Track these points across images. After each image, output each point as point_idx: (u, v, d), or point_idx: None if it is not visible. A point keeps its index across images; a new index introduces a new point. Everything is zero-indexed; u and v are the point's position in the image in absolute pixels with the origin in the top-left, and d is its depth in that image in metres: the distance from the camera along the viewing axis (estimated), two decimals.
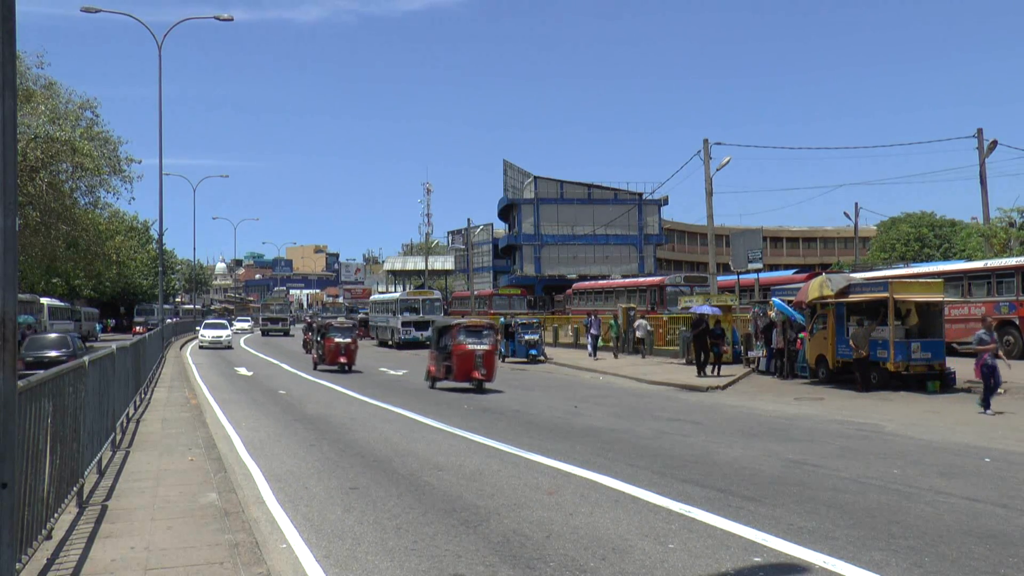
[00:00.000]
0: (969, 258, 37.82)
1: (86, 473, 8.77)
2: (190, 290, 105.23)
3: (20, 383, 5.11)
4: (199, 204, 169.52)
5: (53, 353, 22.94)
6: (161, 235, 44.95)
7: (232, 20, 38.57)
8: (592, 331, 35.05)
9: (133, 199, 73.57)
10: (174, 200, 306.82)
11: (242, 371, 30.26)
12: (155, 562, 6.66)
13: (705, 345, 25.17)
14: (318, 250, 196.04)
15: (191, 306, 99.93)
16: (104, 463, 10.66)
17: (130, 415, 15.24)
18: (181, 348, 47.80)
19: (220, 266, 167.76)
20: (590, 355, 34.14)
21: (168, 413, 16.84)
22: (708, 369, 25.20)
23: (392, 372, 29.80)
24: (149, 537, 7.41)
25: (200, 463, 11.15)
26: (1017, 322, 25.77)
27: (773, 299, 25.63)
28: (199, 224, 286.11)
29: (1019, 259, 28.35)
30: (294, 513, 8.70)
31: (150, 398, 19.66)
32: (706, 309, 27.63)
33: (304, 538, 7.71)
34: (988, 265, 28.76)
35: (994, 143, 38.63)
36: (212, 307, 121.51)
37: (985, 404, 16.52)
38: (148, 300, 78.55)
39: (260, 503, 9.28)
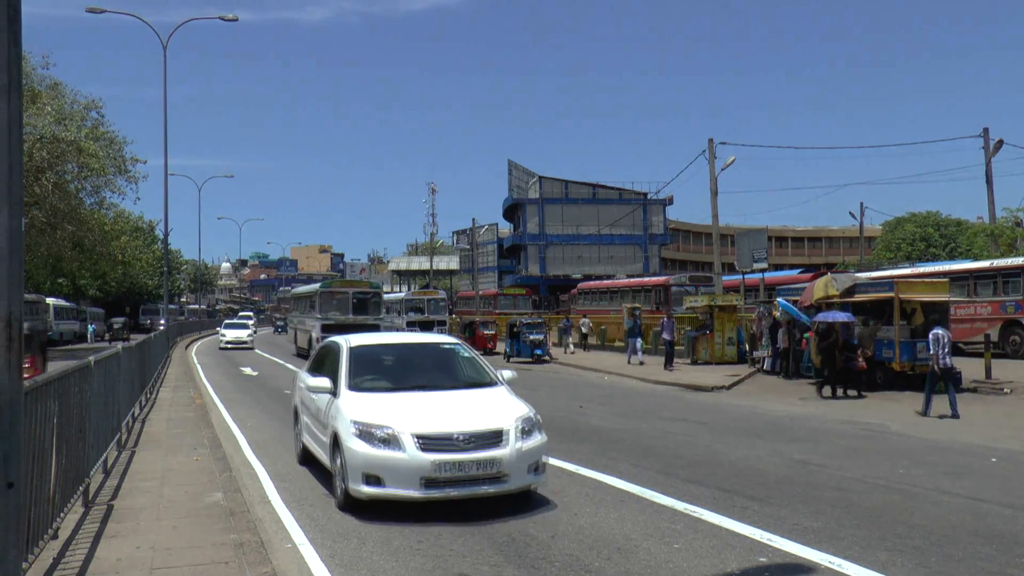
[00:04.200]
0: (975, 258, 37.78)
1: (92, 473, 8.80)
2: (195, 290, 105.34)
3: (26, 383, 5.12)
4: (204, 204, 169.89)
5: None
6: (166, 235, 45.08)
7: (236, 20, 38.62)
8: (665, 335, 28.57)
9: (139, 199, 73.93)
10: (179, 200, 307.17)
11: (247, 371, 30.30)
12: (160, 561, 6.67)
13: (833, 360, 19.95)
14: (323, 250, 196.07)
15: (196, 306, 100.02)
16: (110, 463, 10.68)
17: (135, 415, 15.27)
18: (187, 348, 47.77)
19: (225, 266, 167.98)
20: (667, 368, 26.98)
21: (173, 413, 16.87)
22: (833, 389, 20.06)
23: None
24: (154, 537, 7.42)
25: (205, 463, 11.16)
26: (1023, 321, 25.71)
27: (778, 299, 25.62)
28: (204, 224, 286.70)
29: None
30: (299, 513, 8.70)
31: (155, 398, 19.69)
32: (839, 316, 20.64)
33: (309, 538, 7.72)
34: (994, 265, 28.70)
35: (1000, 142, 38.58)
36: (217, 307, 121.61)
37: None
38: (153, 300, 78.76)
39: (265, 503, 9.28)
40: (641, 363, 29.30)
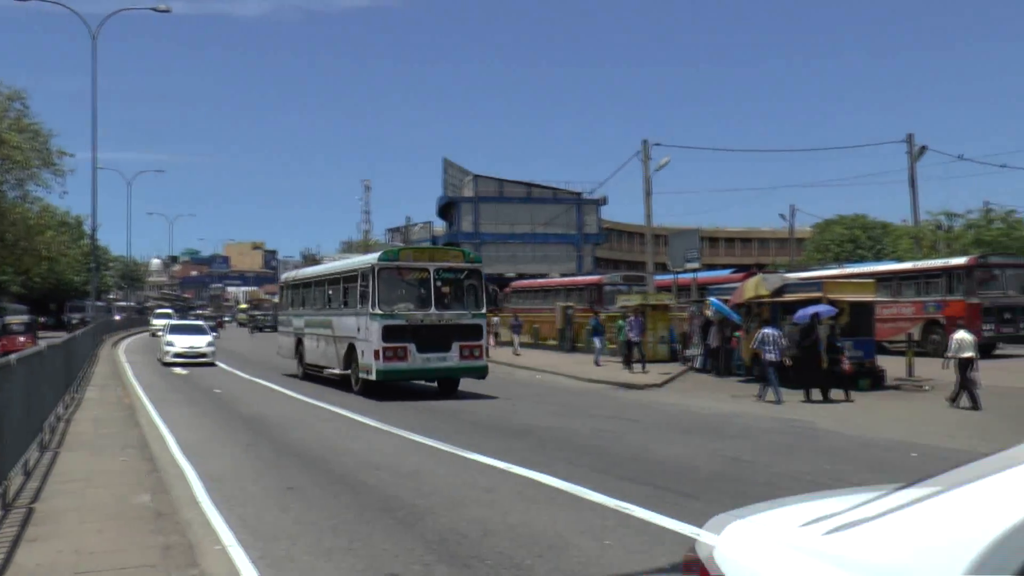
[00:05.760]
0: (900, 259, 38.83)
1: (11, 474, 8.55)
2: (124, 287, 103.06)
3: None
4: (134, 199, 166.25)
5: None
6: (94, 231, 44.07)
7: (170, 12, 37.85)
8: (632, 336, 26.84)
9: (66, 193, 71.90)
10: (108, 195, 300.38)
11: (177, 370, 29.71)
12: (84, 566, 6.51)
13: (818, 362, 19.02)
14: (256, 247, 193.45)
15: (125, 303, 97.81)
16: (31, 464, 10.39)
17: (60, 415, 14.89)
18: (114, 346, 46.65)
19: (155, 262, 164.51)
20: (637, 367, 26.29)
21: (100, 412, 16.48)
22: (820, 393, 19.01)
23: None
24: (78, 540, 7.24)
25: (133, 464, 10.93)
26: (943, 321, 26.48)
27: (710, 298, 25.98)
28: (134, 220, 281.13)
29: (946, 260, 29.22)
30: (229, 514, 8.58)
31: (81, 397, 19.22)
32: (821, 309, 19.74)
33: (239, 539, 7.61)
34: (917, 266, 29.61)
35: (923, 148, 39.74)
36: (147, 304, 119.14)
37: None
38: (80, 297, 76.82)
39: (194, 504, 9.13)
40: (598, 364, 28.58)
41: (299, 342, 25.99)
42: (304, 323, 25.67)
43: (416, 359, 19.25)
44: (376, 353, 19.03)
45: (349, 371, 21.15)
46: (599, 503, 8.83)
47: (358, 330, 20.21)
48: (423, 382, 21.57)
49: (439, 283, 19.98)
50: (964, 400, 17.04)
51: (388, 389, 20.06)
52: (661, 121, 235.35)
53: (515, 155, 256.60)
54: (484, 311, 20.70)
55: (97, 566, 6.49)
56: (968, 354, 16.94)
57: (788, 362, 19.28)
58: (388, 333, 19.05)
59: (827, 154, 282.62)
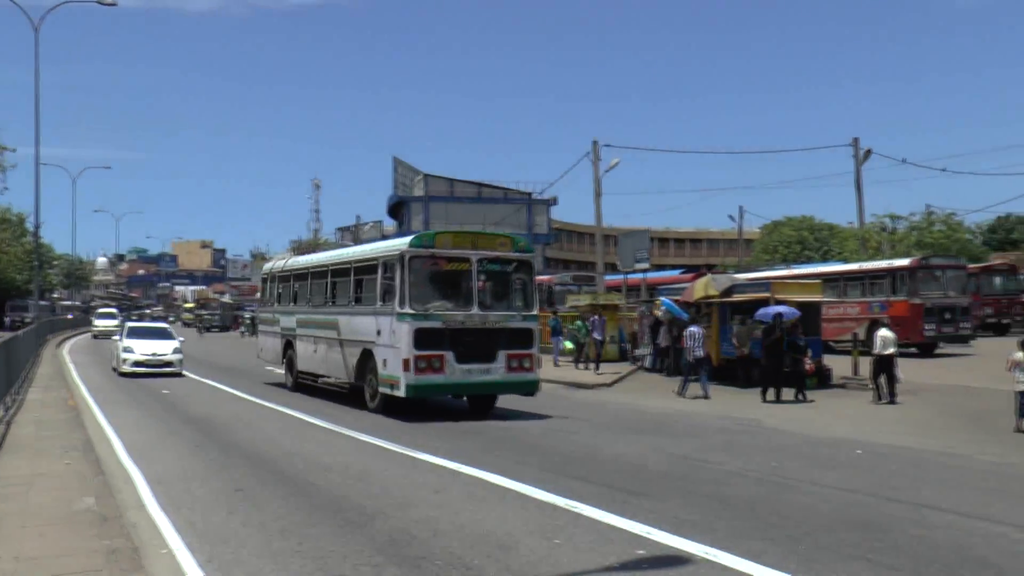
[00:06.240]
0: (846, 260, 39.52)
1: None
2: (69, 286, 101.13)
3: None
4: (80, 196, 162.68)
5: None
6: (37, 228, 43.20)
7: (116, 5, 37.06)
8: (595, 335, 26.74)
9: (6, 189, 69.95)
10: (53, 192, 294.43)
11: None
12: (25, 571, 6.37)
13: (779, 360, 18.91)
14: (204, 245, 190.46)
15: (69, 302, 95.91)
16: None
17: (0, 417, 14.57)
18: (58, 346, 45.73)
19: (101, 260, 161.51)
20: (593, 368, 26.36)
21: (43, 415, 16.13)
22: (774, 392, 18.93)
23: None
24: (19, 545, 7.09)
25: (77, 467, 10.73)
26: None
27: (661, 298, 26.19)
28: (79, 217, 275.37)
29: (890, 262, 29.86)
30: (176, 517, 8.46)
31: (23, 399, 18.80)
32: (782, 309, 19.77)
33: (186, 542, 7.50)
34: (862, 267, 30.20)
35: (868, 152, 40.48)
36: (92, 303, 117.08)
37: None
38: (22, 296, 75.27)
39: (140, 507, 8.99)
40: (556, 364, 28.21)
41: (289, 345, 22.08)
42: (296, 322, 21.55)
43: (455, 371, 15.67)
44: (405, 363, 15.30)
45: (363, 383, 17.52)
46: (549, 502, 8.87)
47: (378, 333, 16.48)
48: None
49: (483, 276, 16.43)
50: (890, 396, 17.83)
51: (415, 406, 16.45)
52: (611, 122, 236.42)
53: (466, 154, 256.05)
54: (536, 312, 17.09)
55: (39, 572, 6.35)
56: (891, 350, 17.91)
57: (701, 355, 20.40)
58: (421, 338, 15.41)
59: (775, 157, 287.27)
